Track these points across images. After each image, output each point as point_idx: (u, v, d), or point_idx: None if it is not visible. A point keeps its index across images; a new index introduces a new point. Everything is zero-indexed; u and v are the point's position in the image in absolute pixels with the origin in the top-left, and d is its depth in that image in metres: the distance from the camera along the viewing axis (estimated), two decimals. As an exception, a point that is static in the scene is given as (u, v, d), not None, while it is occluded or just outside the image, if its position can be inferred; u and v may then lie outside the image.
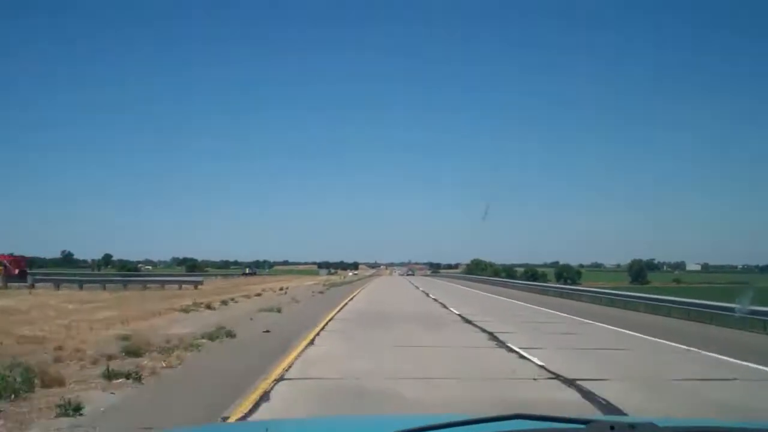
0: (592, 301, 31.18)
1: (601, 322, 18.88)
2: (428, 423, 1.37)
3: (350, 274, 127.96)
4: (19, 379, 7.38)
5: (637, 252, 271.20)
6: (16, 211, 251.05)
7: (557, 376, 9.09)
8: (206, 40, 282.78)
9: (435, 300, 31.23)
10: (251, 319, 17.92)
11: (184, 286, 47.00)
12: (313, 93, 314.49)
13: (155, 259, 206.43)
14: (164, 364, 9.48)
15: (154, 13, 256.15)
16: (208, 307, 21.89)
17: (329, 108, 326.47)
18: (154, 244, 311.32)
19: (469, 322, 18.44)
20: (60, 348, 10.93)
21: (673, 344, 13.62)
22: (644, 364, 10.81)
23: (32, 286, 38.49)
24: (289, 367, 9.63)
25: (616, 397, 7.53)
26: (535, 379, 8.92)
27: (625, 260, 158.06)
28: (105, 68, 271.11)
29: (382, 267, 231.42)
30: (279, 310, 20.84)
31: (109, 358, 9.74)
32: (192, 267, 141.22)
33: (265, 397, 7.35)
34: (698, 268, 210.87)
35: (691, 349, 12.80)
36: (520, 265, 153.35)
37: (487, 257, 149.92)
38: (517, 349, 12.09)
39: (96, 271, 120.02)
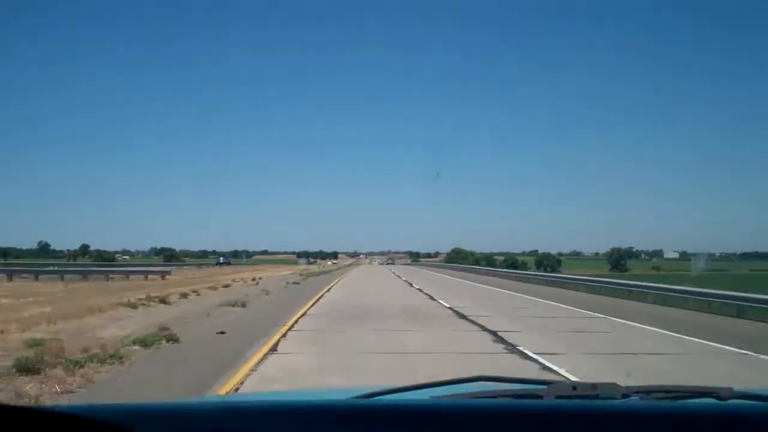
0: (587, 289, 28.95)
1: (609, 315, 16.47)
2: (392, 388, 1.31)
3: (329, 263, 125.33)
4: None
5: (615, 240, 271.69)
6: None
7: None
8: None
9: (420, 290, 28.68)
10: (208, 315, 15.18)
11: (150, 276, 44.02)
12: (290, 85, 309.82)
13: (134, 249, 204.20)
14: (58, 389, 6.78)
15: None
16: (163, 301, 19.07)
17: (309, 100, 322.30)
18: (134, 235, 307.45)
19: (463, 317, 15.87)
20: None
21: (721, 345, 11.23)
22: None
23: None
24: (236, 390, 6.99)
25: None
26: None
27: (603, 249, 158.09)
28: (84, 62, 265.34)
29: (361, 256, 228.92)
30: (244, 305, 18.09)
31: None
32: (170, 257, 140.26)
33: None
34: (676, 255, 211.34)
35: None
36: (499, 254, 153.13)
37: (466, 246, 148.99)
38: (534, 356, 9.58)
39: (71, 262, 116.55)
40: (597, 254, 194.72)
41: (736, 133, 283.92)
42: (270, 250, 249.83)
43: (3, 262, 65.18)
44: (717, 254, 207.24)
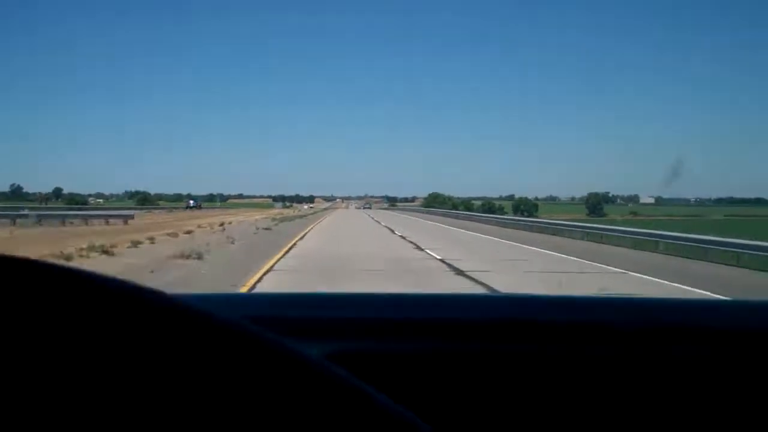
0: (583, 236, 26.83)
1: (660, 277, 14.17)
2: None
3: (305, 207, 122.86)
4: None
5: (591, 186, 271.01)
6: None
7: None
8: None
9: (403, 238, 26.18)
10: (152, 272, 12.44)
11: (112, 221, 41.05)
12: (271, 28, 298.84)
13: (108, 193, 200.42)
14: None
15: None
16: (107, 251, 16.31)
17: (288, 39, 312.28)
18: (109, 178, 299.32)
19: (461, 273, 13.37)
20: None
21: None
22: None
23: None
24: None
25: None
26: None
27: (578, 193, 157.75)
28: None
29: (338, 200, 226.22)
30: (200, 257, 15.32)
31: None
32: (143, 201, 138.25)
33: None
34: (651, 201, 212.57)
35: None
36: (477, 198, 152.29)
37: (443, 191, 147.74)
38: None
39: (43, 205, 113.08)
40: (573, 198, 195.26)
41: (711, 78, 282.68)
42: (246, 194, 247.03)
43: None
44: (692, 199, 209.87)
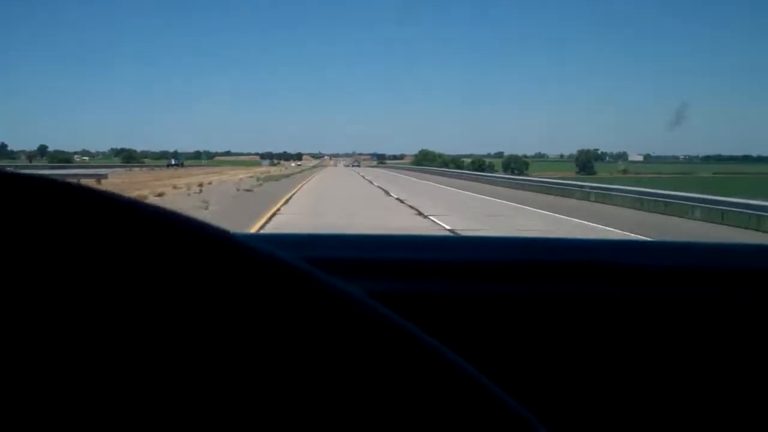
0: (597, 198, 24.33)
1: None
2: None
3: (293, 165, 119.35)
4: None
5: (579, 143, 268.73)
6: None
7: None
8: None
9: (402, 202, 23.48)
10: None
11: (84, 180, 37.84)
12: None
13: (94, 150, 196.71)
14: None
15: None
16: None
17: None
18: (96, 135, 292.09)
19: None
20: None
21: None
22: None
23: None
24: None
25: None
26: None
27: (567, 150, 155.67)
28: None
29: (326, 158, 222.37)
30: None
31: None
32: (128, 158, 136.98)
33: None
34: (640, 158, 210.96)
35: None
36: (466, 156, 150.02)
37: (432, 148, 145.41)
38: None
39: (29, 163, 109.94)
40: (562, 156, 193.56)
41: (700, 36, 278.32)
42: (233, 151, 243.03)
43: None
44: (681, 157, 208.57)
